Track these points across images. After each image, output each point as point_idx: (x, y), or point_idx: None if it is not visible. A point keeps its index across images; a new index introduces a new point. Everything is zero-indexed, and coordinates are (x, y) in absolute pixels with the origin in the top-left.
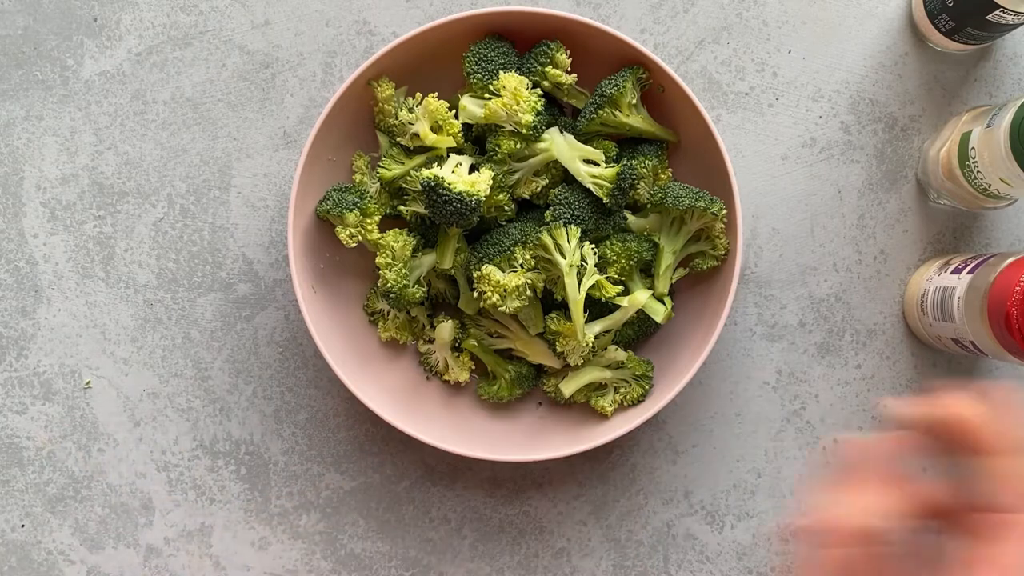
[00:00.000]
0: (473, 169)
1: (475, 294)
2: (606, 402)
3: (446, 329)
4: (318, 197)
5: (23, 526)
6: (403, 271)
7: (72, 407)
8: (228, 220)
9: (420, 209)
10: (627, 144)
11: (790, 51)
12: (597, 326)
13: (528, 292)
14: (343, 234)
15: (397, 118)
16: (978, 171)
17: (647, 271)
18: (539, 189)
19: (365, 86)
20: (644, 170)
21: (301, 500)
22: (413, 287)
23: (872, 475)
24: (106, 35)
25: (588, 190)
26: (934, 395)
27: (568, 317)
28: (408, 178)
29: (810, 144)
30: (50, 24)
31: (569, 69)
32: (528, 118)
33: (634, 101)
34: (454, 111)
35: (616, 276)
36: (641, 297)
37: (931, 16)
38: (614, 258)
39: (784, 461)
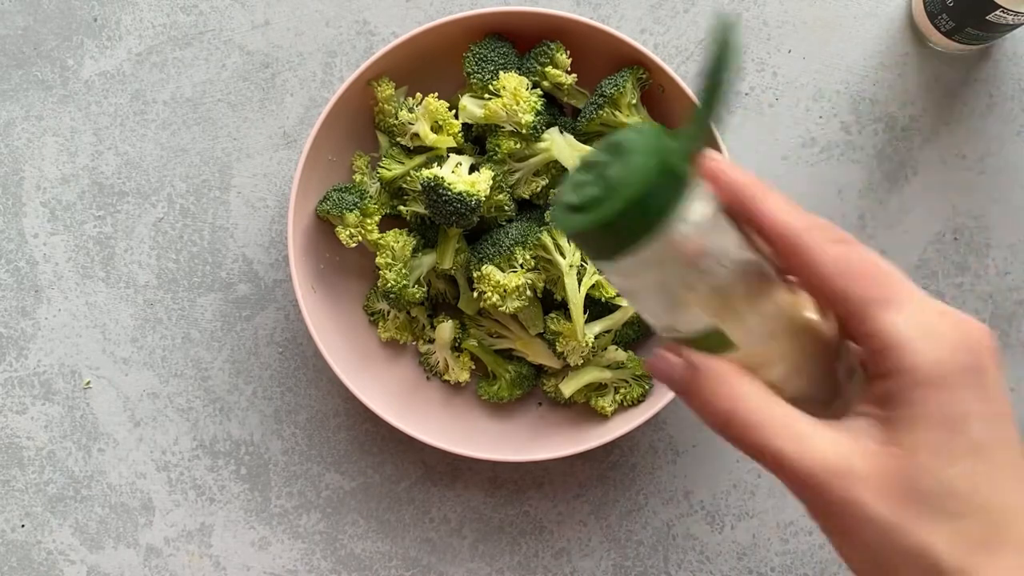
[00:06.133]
0: (473, 169)
1: (475, 294)
2: (606, 402)
3: (446, 329)
4: (318, 197)
5: (23, 526)
6: (403, 271)
7: (72, 407)
8: (228, 220)
9: (420, 209)
10: None
11: (790, 51)
12: (597, 326)
13: (528, 292)
14: (343, 234)
15: (397, 118)
16: None
17: None
18: (539, 189)
19: (365, 86)
20: None
21: (301, 500)
22: (413, 287)
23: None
24: (106, 35)
25: None
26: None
27: (568, 317)
28: (408, 178)
29: (810, 144)
30: (50, 24)
31: (569, 69)
32: (528, 118)
33: (634, 101)
34: (454, 111)
35: None
36: None
37: (931, 16)
38: None
39: None
